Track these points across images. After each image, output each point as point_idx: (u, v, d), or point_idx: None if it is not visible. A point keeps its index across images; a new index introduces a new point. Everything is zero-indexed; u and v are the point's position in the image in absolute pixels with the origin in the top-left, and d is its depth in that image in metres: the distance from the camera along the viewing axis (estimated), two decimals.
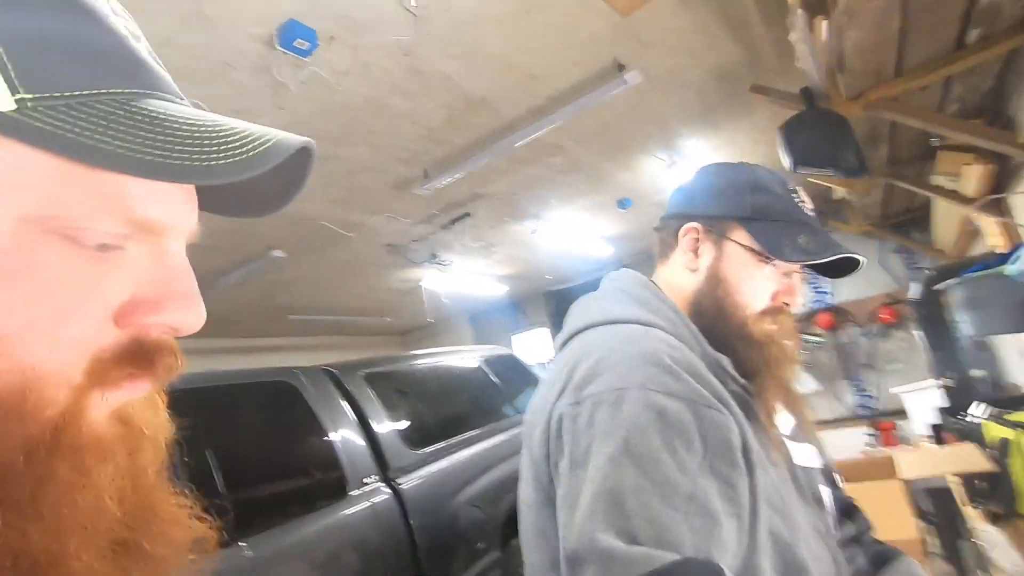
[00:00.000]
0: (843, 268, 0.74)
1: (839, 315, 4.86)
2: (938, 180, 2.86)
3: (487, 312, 7.01)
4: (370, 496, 1.87)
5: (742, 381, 0.68)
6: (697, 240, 0.74)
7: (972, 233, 3.34)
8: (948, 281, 2.21)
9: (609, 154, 3.30)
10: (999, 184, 2.50)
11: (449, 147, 2.82)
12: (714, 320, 0.70)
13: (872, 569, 0.80)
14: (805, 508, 0.68)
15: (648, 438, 0.55)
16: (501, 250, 4.70)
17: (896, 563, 0.79)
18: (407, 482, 2.02)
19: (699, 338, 0.68)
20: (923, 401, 3.72)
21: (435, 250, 4.30)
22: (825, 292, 4.90)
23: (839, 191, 3.39)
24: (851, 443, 4.17)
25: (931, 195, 3.03)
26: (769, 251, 0.69)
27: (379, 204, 3.32)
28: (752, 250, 0.71)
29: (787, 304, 0.72)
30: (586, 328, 0.70)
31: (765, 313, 0.70)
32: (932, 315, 3.10)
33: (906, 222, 4.31)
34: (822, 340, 4.93)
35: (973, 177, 2.48)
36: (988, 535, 1.41)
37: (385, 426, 2.15)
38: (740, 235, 0.71)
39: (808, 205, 0.74)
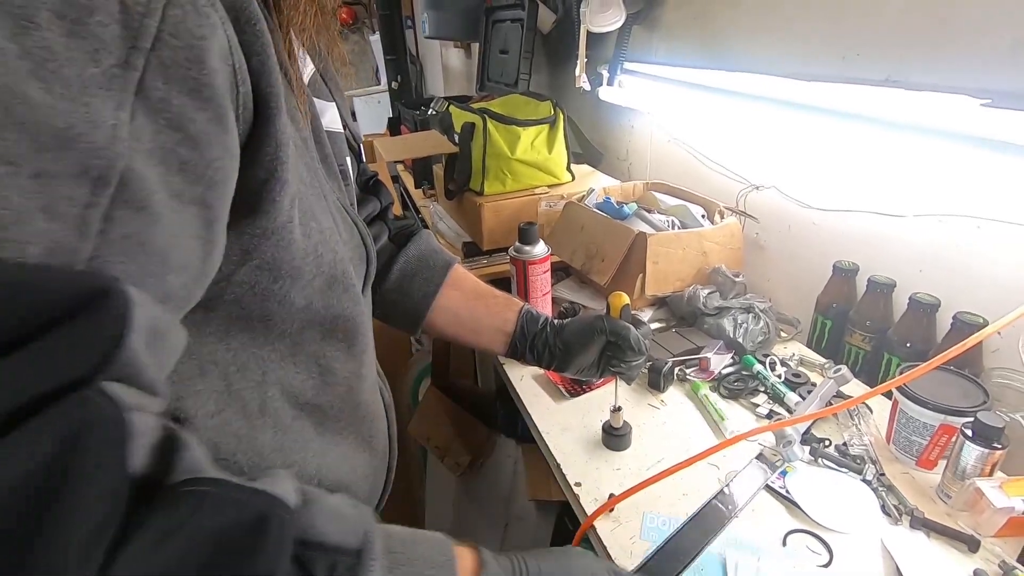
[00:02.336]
0: None
1: None
2: None
3: None
4: None
5: None
6: None
7: None
8: None
9: None
10: None
11: None
12: None
13: (395, 246, 0.74)
14: (330, 183, 0.51)
15: None
16: None
17: (417, 239, 0.76)
18: None
19: None
20: (370, 105, 4.13)
21: None
22: None
23: None
24: None
25: None
26: None
27: None
28: None
29: None
30: None
31: None
32: (391, 16, 3.23)
33: None
34: None
35: None
36: (434, 208, 1.68)
37: None
38: None
39: None
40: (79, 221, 0.25)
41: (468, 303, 0.76)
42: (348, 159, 0.60)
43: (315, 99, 0.54)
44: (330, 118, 0.57)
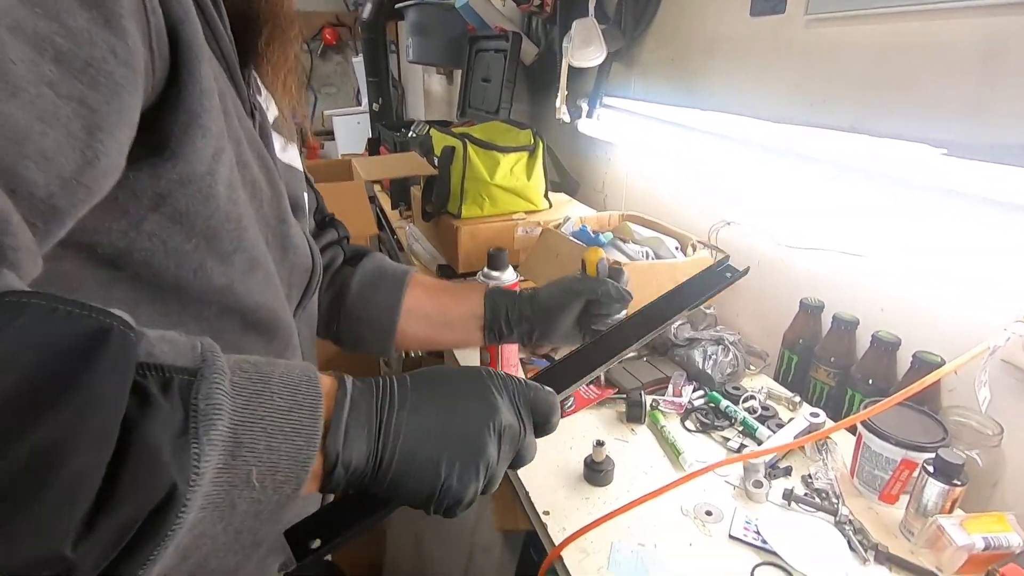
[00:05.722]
0: None
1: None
2: None
3: None
4: None
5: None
6: None
7: None
8: (406, 2, 2.26)
9: None
10: None
11: None
12: None
13: (351, 267, 0.76)
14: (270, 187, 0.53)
15: None
16: None
17: (371, 255, 0.77)
18: None
19: None
20: (350, 125, 4.13)
21: None
22: None
23: None
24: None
25: None
26: None
27: None
28: None
29: None
30: None
31: None
32: (375, 40, 3.26)
33: None
34: None
35: None
36: (410, 230, 1.67)
37: None
38: None
39: None
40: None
41: (434, 298, 0.75)
42: (305, 194, 0.62)
43: (278, 135, 0.56)
44: (291, 156, 0.59)
